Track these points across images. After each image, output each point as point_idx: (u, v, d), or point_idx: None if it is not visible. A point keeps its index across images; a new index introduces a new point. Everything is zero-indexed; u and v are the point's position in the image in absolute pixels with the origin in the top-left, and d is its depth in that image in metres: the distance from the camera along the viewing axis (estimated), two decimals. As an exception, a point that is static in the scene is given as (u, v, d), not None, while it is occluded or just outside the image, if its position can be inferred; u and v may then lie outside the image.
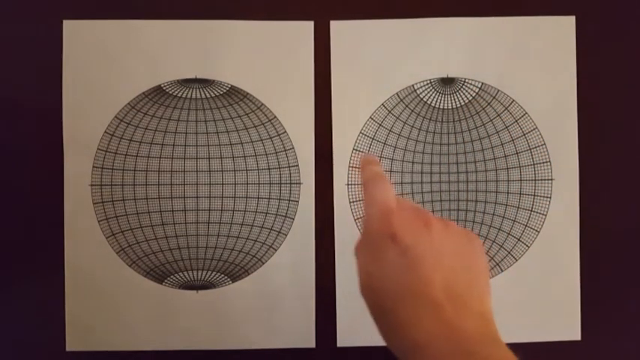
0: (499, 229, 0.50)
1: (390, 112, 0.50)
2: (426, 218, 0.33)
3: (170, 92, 0.50)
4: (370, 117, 0.50)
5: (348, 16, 0.50)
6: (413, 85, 0.50)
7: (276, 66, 0.50)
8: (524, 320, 0.50)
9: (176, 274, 0.50)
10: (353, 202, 0.50)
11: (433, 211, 0.50)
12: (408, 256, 0.32)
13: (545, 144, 0.50)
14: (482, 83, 0.50)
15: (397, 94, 0.50)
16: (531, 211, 0.50)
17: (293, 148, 0.50)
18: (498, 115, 0.50)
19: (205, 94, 0.50)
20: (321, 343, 0.50)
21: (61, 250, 0.49)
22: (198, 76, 0.50)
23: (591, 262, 0.50)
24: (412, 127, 0.50)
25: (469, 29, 0.50)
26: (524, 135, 0.50)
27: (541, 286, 0.50)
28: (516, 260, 0.50)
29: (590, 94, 0.50)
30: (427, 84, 0.50)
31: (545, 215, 0.50)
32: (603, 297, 0.50)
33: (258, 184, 0.50)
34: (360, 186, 0.50)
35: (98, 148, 0.49)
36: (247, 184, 0.50)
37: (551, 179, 0.50)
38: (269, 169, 0.50)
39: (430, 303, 0.30)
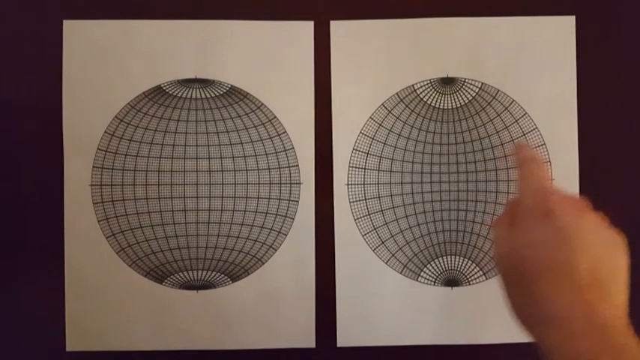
0: (499, 229, 0.50)
1: (390, 112, 0.50)
2: (583, 206, 0.36)
3: (170, 92, 0.50)
4: (370, 117, 0.50)
5: (348, 16, 0.50)
6: (413, 85, 0.50)
7: (276, 66, 0.50)
8: (524, 320, 0.50)
9: (176, 274, 0.50)
10: (353, 202, 0.50)
11: (433, 211, 0.50)
12: (560, 235, 0.33)
13: (545, 144, 0.50)
14: (482, 83, 0.50)
15: (397, 94, 0.50)
16: (531, 211, 0.50)
17: (293, 148, 0.50)
18: (498, 115, 0.50)
19: (205, 94, 0.50)
20: (321, 343, 0.50)
21: (61, 250, 0.49)
22: (198, 76, 0.50)
23: (591, 262, 0.50)
24: (412, 127, 0.50)
25: (469, 29, 0.50)
26: (524, 135, 0.50)
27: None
28: (516, 260, 0.50)
29: (590, 94, 0.50)
30: (427, 84, 0.50)
31: (545, 215, 0.50)
32: (603, 297, 0.50)
33: (258, 184, 0.50)
34: (360, 186, 0.50)
35: (98, 148, 0.49)
36: (247, 184, 0.50)
37: (551, 179, 0.50)
38: (269, 169, 0.50)
39: (573, 282, 0.32)
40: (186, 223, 0.49)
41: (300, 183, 0.50)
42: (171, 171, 0.50)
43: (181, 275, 0.50)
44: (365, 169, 0.50)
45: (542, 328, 0.32)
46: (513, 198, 0.41)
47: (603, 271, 0.33)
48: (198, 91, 0.50)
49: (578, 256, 0.33)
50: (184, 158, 0.50)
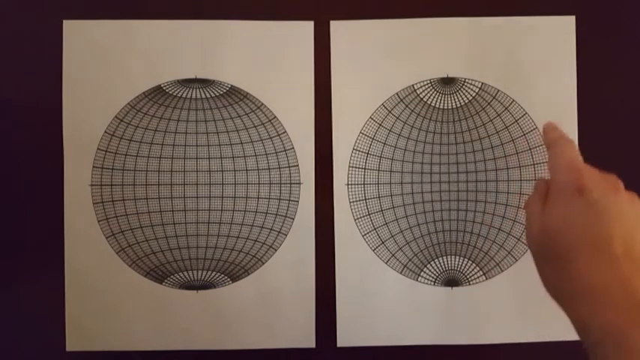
0: (499, 229, 0.50)
1: (390, 112, 0.50)
2: (615, 182, 0.36)
3: (170, 92, 0.50)
4: (370, 117, 0.50)
5: (348, 16, 0.50)
6: (413, 85, 0.50)
7: (276, 66, 0.50)
8: (524, 320, 0.50)
9: (176, 274, 0.50)
10: (353, 202, 0.50)
11: (433, 211, 0.50)
12: (594, 209, 0.34)
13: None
14: (482, 83, 0.50)
15: (397, 94, 0.50)
16: (531, 211, 0.50)
17: (293, 148, 0.50)
18: (498, 115, 0.50)
19: (205, 94, 0.50)
20: (321, 343, 0.50)
21: (61, 250, 0.49)
22: (198, 76, 0.50)
23: (591, 262, 0.50)
24: (412, 127, 0.50)
25: (469, 29, 0.50)
26: (524, 135, 0.50)
27: (541, 286, 0.50)
28: (516, 260, 0.50)
29: (590, 94, 0.50)
30: (427, 84, 0.50)
31: (545, 215, 0.50)
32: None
33: (258, 184, 0.50)
34: (360, 186, 0.50)
35: (98, 148, 0.49)
36: (247, 184, 0.50)
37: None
38: (269, 169, 0.50)
39: (609, 255, 0.32)
40: (186, 223, 0.49)
41: (300, 183, 0.50)
42: (171, 171, 0.50)
43: (181, 275, 0.50)
44: (365, 169, 0.50)
45: (578, 301, 0.32)
46: (542, 179, 0.41)
47: (636, 247, 0.33)
48: (198, 91, 0.50)
49: (613, 230, 0.33)
50: (184, 158, 0.50)
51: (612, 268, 0.32)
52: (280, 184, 0.50)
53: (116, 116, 0.49)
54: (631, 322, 0.30)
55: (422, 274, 0.50)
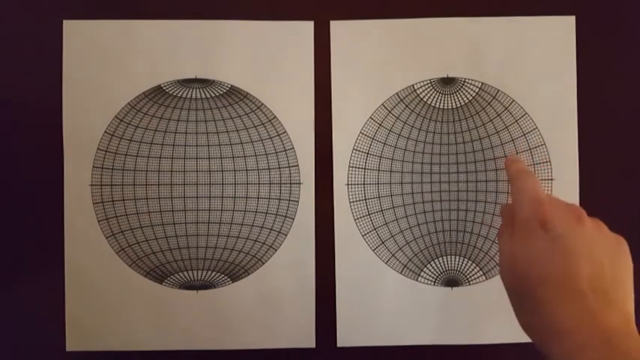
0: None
1: (390, 112, 0.50)
2: (578, 213, 0.35)
3: (170, 92, 0.50)
4: (370, 117, 0.50)
5: (348, 16, 0.50)
6: (413, 85, 0.50)
7: (276, 66, 0.50)
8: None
9: (176, 274, 0.50)
10: (353, 202, 0.50)
11: (433, 211, 0.50)
12: (558, 244, 0.33)
13: (545, 144, 0.50)
14: (483, 83, 0.50)
15: (397, 94, 0.50)
16: (531, 211, 0.50)
17: (293, 148, 0.50)
18: (498, 115, 0.50)
19: (205, 94, 0.50)
20: (321, 343, 0.50)
21: (61, 250, 0.49)
22: (198, 76, 0.50)
23: (591, 262, 0.50)
24: (412, 127, 0.50)
25: (469, 29, 0.50)
26: (524, 135, 0.50)
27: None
28: (516, 260, 0.50)
29: (590, 94, 0.50)
30: (427, 84, 0.50)
31: (545, 215, 0.50)
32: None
33: (258, 184, 0.50)
34: (360, 186, 0.50)
35: (98, 148, 0.49)
36: (247, 184, 0.50)
37: (551, 179, 0.50)
38: (269, 169, 0.50)
39: (575, 292, 0.31)
40: (186, 223, 0.49)
41: (300, 183, 0.50)
42: (171, 171, 0.50)
43: (181, 275, 0.50)
44: (365, 169, 0.50)
45: (549, 339, 0.32)
46: (507, 206, 0.41)
47: (606, 278, 0.32)
48: (198, 91, 0.50)
49: (579, 264, 0.32)
50: (184, 158, 0.50)
51: (580, 305, 0.31)
52: (280, 184, 0.50)
53: (116, 116, 0.49)
54: (604, 359, 0.29)
55: (422, 274, 0.50)
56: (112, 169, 0.49)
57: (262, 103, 0.50)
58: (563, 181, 0.50)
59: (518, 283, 0.34)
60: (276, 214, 0.50)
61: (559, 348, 0.31)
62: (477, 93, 0.50)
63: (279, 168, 0.50)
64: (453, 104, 0.50)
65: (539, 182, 0.39)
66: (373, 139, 0.50)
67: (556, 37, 0.50)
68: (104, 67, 0.49)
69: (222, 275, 0.50)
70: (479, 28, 0.50)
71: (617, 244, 0.35)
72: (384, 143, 0.50)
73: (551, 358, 0.32)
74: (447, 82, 0.50)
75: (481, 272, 0.50)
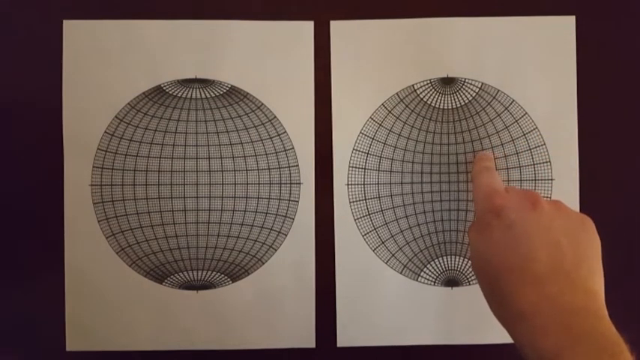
0: (499, 229, 0.50)
1: (390, 112, 0.50)
2: (534, 198, 0.35)
3: (170, 92, 0.50)
4: (370, 117, 0.50)
5: (348, 16, 0.50)
6: (413, 85, 0.50)
7: (276, 66, 0.50)
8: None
9: (176, 274, 0.50)
10: (353, 202, 0.50)
11: (433, 211, 0.50)
12: (513, 231, 0.34)
13: (545, 144, 0.50)
14: (483, 83, 0.50)
15: (397, 94, 0.50)
16: (531, 211, 0.50)
17: (293, 148, 0.50)
18: (498, 115, 0.50)
19: (205, 94, 0.50)
20: (321, 343, 0.50)
21: (61, 250, 0.49)
22: (198, 76, 0.50)
23: (591, 262, 0.50)
24: (412, 127, 0.50)
25: (469, 29, 0.50)
26: (524, 135, 0.50)
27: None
28: (516, 260, 0.50)
29: (590, 94, 0.50)
30: (427, 84, 0.50)
31: (545, 215, 0.50)
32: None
33: (258, 184, 0.50)
34: (360, 186, 0.50)
35: (98, 148, 0.49)
36: (247, 184, 0.50)
37: (551, 179, 0.50)
38: (269, 169, 0.50)
39: (533, 277, 0.32)
40: (186, 223, 0.49)
41: (300, 183, 0.50)
42: (171, 171, 0.50)
43: (181, 275, 0.50)
44: (365, 169, 0.50)
45: (513, 325, 0.32)
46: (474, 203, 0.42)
47: (566, 259, 0.32)
48: (198, 91, 0.50)
49: (535, 249, 0.32)
50: (184, 158, 0.50)
51: (539, 290, 0.31)
52: (280, 184, 0.50)
53: (116, 116, 0.49)
54: (562, 346, 0.29)
55: (422, 274, 0.50)
56: (112, 169, 0.49)
57: (262, 103, 0.50)
58: (563, 181, 0.50)
59: (484, 274, 0.35)
60: (276, 214, 0.50)
61: (522, 332, 0.31)
62: (476, 93, 0.50)
63: (279, 168, 0.50)
64: (453, 104, 0.50)
65: (497, 177, 0.41)
66: (373, 139, 0.50)
67: (556, 37, 0.50)
68: (104, 67, 0.49)
69: (222, 275, 0.50)
70: (479, 28, 0.50)
71: (579, 222, 0.35)
72: (384, 143, 0.50)
73: (517, 344, 0.32)
74: (447, 82, 0.50)
75: (481, 272, 0.50)
